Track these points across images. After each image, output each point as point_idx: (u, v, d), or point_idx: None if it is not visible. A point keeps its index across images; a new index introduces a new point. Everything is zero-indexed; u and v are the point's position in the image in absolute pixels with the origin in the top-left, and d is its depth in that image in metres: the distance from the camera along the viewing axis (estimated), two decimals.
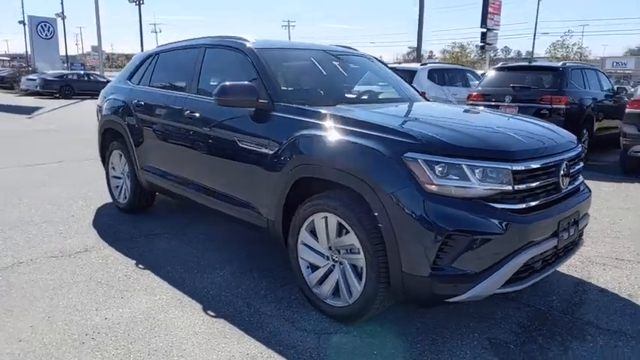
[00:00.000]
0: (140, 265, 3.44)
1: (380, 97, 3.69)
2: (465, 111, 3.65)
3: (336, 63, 3.75)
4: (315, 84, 3.59)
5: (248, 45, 3.40)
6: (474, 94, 8.24)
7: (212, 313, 2.77)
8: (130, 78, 4.63)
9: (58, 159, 7.43)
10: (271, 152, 2.90)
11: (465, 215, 2.23)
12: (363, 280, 2.48)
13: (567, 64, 7.87)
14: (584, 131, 7.65)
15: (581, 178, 2.98)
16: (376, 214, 2.35)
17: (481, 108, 4.24)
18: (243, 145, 3.10)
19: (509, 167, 2.31)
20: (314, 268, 2.80)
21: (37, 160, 7.26)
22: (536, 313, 2.82)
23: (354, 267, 2.57)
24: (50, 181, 5.93)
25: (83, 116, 15.04)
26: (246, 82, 3.08)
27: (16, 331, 2.54)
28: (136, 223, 4.38)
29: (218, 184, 3.40)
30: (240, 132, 3.13)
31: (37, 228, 4.19)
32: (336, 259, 2.67)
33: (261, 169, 2.98)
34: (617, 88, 8.94)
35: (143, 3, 26.53)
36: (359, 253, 2.49)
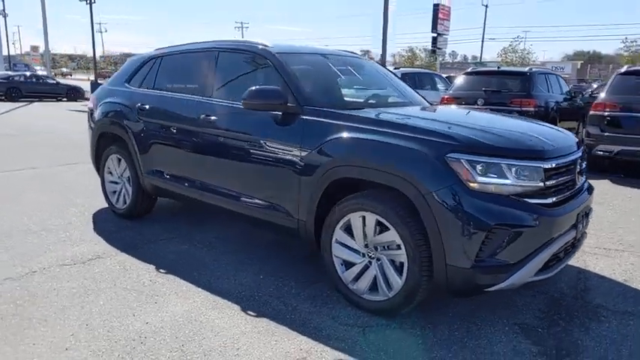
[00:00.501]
0: (161, 270, 3.41)
1: (397, 100, 3.84)
2: (483, 114, 3.81)
3: (350, 67, 3.88)
4: (337, 88, 3.68)
5: (268, 49, 3.46)
6: (447, 97, 8.61)
7: (252, 313, 2.82)
8: (128, 81, 4.55)
9: (30, 165, 7.11)
10: (303, 155, 2.99)
11: (504, 210, 2.42)
12: (404, 274, 2.62)
13: (533, 70, 8.39)
14: None
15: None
16: (420, 211, 2.50)
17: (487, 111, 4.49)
18: (271, 148, 3.16)
19: (541, 165, 2.53)
20: (348, 265, 2.91)
21: (9, 167, 6.92)
22: (551, 300, 3.07)
23: (392, 262, 2.71)
24: (31, 188, 5.68)
25: (38, 119, 14.37)
26: (274, 87, 3.15)
27: (58, 340, 2.49)
28: (139, 228, 4.32)
29: (242, 188, 3.43)
30: (267, 135, 3.19)
31: (37, 236, 4.05)
32: (373, 255, 2.80)
33: (291, 171, 3.05)
34: (574, 91, 9.61)
35: (95, 2, 25.50)
36: (400, 248, 2.62)
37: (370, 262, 2.81)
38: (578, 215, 2.77)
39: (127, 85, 4.54)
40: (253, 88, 3.11)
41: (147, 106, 4.14)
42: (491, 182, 2.44)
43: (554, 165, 2.59)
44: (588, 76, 49.94)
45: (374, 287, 2.80)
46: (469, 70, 9.24)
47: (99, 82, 24.02)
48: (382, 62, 22.68)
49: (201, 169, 3.71)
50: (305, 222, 3.06)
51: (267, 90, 3.11)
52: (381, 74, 4.17)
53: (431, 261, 2.54)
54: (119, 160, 4.54)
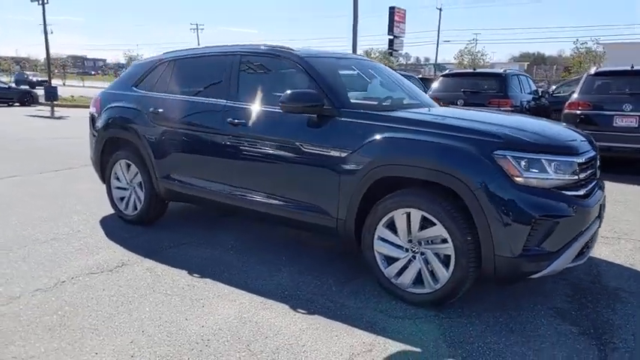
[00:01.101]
0: (195, 275, 3.40)
1: (411, 102, 3.98)
2: (507, 115, 3.95)
3: (371, 70, 3.99)
4: (366, 90, 3.78)
5: (297, 53, 3.53)
6: None
7: (303, 311, 2.88)
8: (136, 85, 4.48)
9: (10, 173, 6.78)
10: (343, 155, 3.08)
11: (547, 202, 2.61)
12: (451, 266, 2.77)
13: (507, 71, 8.84)
14: None
15: None
16: (470, 206, 2.65)
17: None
18: (308, 150, 3.23)
19: (575, 160, 2.74)
20: (390, 260, 3.03)
21: None
22: (572, 285, 3.31)
23: (437, 255, 2.85)
24: (23, 197, 5.45)
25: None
26: (312, 90, 3.23)
27: (120, 348, 2.46)
28: (153, 234, 4.26)
29: (276, 190, 3.47)
30: (304, 138, 3.25)
31: (50, 246, 3.92)
32: (416, 250, 2.93)
33: (330, 172, 3.13)
34: (542, 91, 10.17)
35: (47, 2, 24.34)
36: (446, 242, 2.77)
37: (414, 257, 2.94)
38: (600, 206, 3.02)
39: (135, 89, 4.47)
40: (290, 91, 3.18)
41: (162, 110, 4.09)
42: (534, 177, 2.63)
43: (584, 160, 2.82)
44: (535, 76, 52.52)
45: (418, 280, 2.93)
46: (446, 72, 9.59)
47: (52, 85, 23.00)
48: None
49: (229, 172, 3.71)
50: (345, 221, 3.15)
51: (304, 93, 3.18)
52: (393, 77, 4.31)
53: (478, 252, 2.69)
54: (128, 165, 4.46)
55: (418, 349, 2.49)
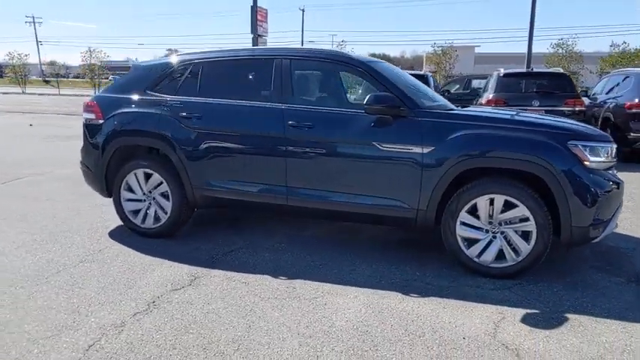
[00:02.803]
0: (281, 277, 3.41)
1: (441, 102, 4.41)
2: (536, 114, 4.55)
3: (399, 74, 4.29)
4: (420, 92, 4.05)
5: (359, 59, 3.73)
6: None
7: (416, 295, 3.14)
8: (151, 88, 4.17)
9: None
10: (426, 151, 3.39)
11: (605, 181, 3.27)
12: (532, 240, 3.28)
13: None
14: None
15: None
16: (552, 187, 3.18)
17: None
18: (386, 149, 3.47)
19: (613, 146, 3.45)
20: (471, 242, 3.45)
21: None
22: (593, 248, 4.05)
23: (516, 232, 3.34)
24: (15, 208, 4.64)
25: None
26: (389, 93, 3.47)
27: (301, 352, 2.47)
28: (185, 244, 4.06)
29: (346, 188, 3.62)
30: (381, 137, 3.48)
31: (88, 268, 3.52)
32: (496, 230, 3.39)
33: (411, 166, 3.42)
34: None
35: None
36: (527, 220, 3.27)
37: (494, 237, 3.39)
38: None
39: (150, 92, 4.16)
40: (374, 94, 3.40)
41: (201, 115, 3.92)
42: (595, 160, 3.27)
43: (616, 146, 3.56)
44: None
45: (500, 256, 3.39)
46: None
47: None
48: None
49: (291, 173, 3.73)
50: (425, 211, 3.47)
51: (385, 96, 3.42)
52: (411, 80, 4.68)
53: (557, 225, 3.25)
54: (148, 175, 4.14)
55: (536, 310, 2.95)
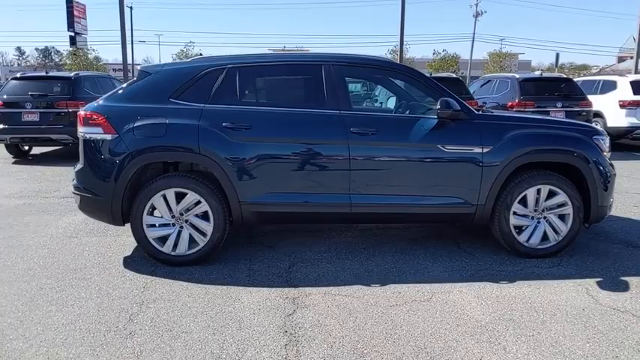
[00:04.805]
0: (374, 285, 3.39)
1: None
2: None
3: None
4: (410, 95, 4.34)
5: (408, 66, 3.87)
6: None
7: (505, 282, 3.45)
8: (175, 97, 3.68)
9: None
10: (485, 151, 3.72)
11: (612, 167, 4.03)
12: (569, 222, 3.87)
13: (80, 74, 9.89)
14: None
15: None
16: (586, 175, 3.80)
17: None
18: (451, 150, 3.71)
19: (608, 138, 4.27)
20: (518, 229, 3.90)
21: None
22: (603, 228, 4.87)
23: (556, 216, 3.90)
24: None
25: None
26: (453, 99, 3.69)
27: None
28: (228, 267, 3.71)
29: (414, 190, 3.74)
30: (445, 140, 3.70)
31: (168, 304, 2.99)
32: (539, 216, 3.90)
33: (473, 165, 3.72)
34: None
35: None
36: (565, 205, 3.85)
37: (538, 222, 3.90)
38: None
39: (176, 100, 3.67)
40: (446, 100, 3.61)
41: (250, 125, 3.61)
42: (607, 151, 4.00)
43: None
44: None
45: (544, 238, 3.91)
46: None
47: None
48: (124, 71, 20.37)
49: (356, 181, 3.69)
50: (484, 205, 3.81)
51: (453, 102, 3.65)
52: None
53: (587, 207, 3.89)
54: (181, 195, 3.64)
55: (602, 278, 3.50)
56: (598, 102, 10.24)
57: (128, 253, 4.03)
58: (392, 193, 3.78)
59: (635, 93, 9.92)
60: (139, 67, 4.03)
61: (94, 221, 4.85)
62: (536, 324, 2.83)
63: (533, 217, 3.89)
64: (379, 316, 2.92)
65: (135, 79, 3.93)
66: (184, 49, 40.12)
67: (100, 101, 3.81)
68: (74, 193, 3.80)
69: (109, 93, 3.91)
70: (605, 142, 4.00)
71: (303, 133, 3.70)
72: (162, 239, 3.71)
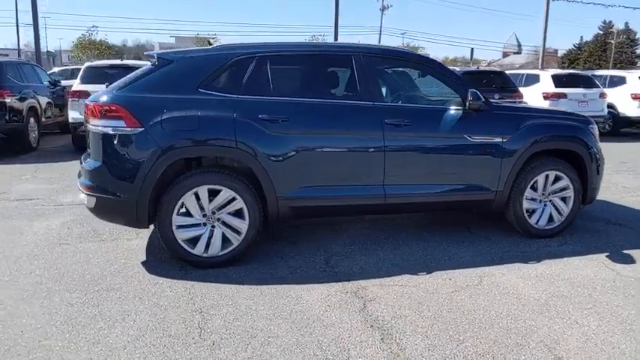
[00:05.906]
0: (420, 273, 3.45)
1: None
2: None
3: None
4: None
5: (432, 59, 3.95)
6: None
7: (533, 262, 3.70)
8: (205, 86, 3.42)
9: None
10: (505, 140, 3.94)
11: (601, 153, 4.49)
12: (570, 204, 4.25)
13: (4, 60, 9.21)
14: None
15: None
16: (585, 161, 4.19)
17: None
18: (476, 140, 3.87)
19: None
20: (529, 212, 4.20)
21: None
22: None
23: (559, 199, 4.26)
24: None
25: None
26: (477, 90, 3.84)
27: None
28: (266, 265, 3.58)
29: (444, 179, 3.86)
30: (471, 130, 3.85)
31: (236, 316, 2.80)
32: (546, 200, 4.23)
33: (494, 154, 3.93)
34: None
35: None
36: (567, 189, 4.22)
37: (545, 205, 4.23)
38: None
39: (205, 91, 3.41)
40: (474, 92, 3.75)
41: (288, 117, 3.47)
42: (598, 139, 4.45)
43: None
44: None
45: (550, 220, 4.25)
46: None
47: None
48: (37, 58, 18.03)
49: (391, 172, 3.70)
50: (502, 191, 4.04)
51: (479, 94, 3.80)
52: None
53: (585, 190, 4.30)
54: (215, 192, 3.41)
55: (609, 252, 3.89)
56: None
57: (142, 257, 3.70)
58: (423, 183, 3.87)
59: (556, 86, 11.06)
60: (151, 54, 3.65)
61: (75, 226, 4.43)
62: (587, 298, 3.09)
63: (541, 201, 4.21)
64: (448, 303, 3.00)
65: (150, 66, 3.57)
66: (86, 34, 36.95)
67: (115, 91, 3.41)
68: (88, 195, 3.37)
69: (121, 82, 3.51)
70: (596, 131, 4.44)
71: (339, 125, 3.63)
72: (193, 240, 3.45)
